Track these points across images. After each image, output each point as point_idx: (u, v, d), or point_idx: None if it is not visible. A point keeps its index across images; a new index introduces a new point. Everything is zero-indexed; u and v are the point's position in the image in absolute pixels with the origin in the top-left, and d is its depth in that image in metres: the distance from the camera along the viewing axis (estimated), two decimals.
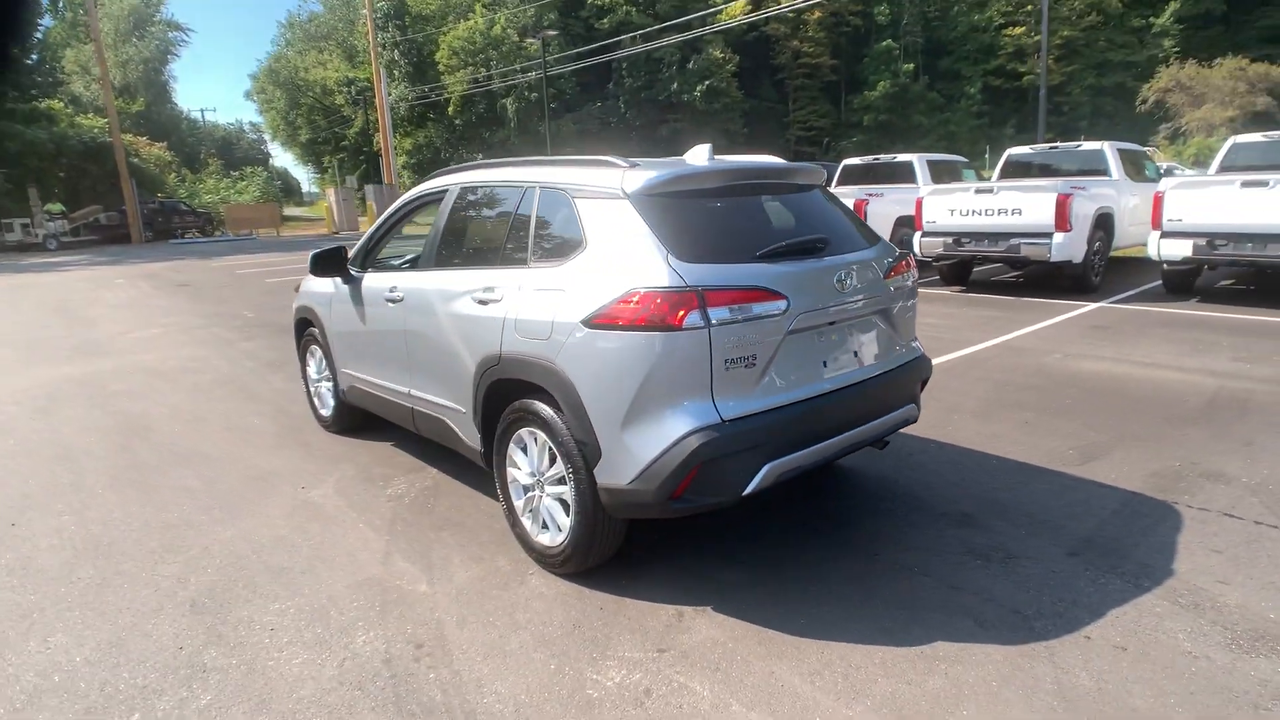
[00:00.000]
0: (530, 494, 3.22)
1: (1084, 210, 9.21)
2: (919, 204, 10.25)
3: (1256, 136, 9.74)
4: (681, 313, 2.59)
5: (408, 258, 4.85)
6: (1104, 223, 9.69)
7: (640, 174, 2.92)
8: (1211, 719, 2.20)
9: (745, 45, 54.98)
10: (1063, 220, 8.99)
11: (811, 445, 2.87)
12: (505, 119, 50.26)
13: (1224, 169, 9.33)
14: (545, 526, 3.17)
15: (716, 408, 2.67)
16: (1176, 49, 50.22)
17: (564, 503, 3.04)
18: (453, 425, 3.66)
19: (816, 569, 3.13)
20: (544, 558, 3.16)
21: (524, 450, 3.22)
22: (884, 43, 59.40)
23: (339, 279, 4.62)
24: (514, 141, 50.33)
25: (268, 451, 4.82)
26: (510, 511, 3.34)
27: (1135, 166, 11.19)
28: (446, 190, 3.95)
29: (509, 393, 3.21)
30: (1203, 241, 8.13)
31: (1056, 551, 3.16)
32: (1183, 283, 9.13)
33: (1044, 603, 2.80)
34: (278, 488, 4.22)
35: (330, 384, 5.01)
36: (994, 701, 2.31)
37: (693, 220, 2.84)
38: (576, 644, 2.69)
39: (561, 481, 3.02)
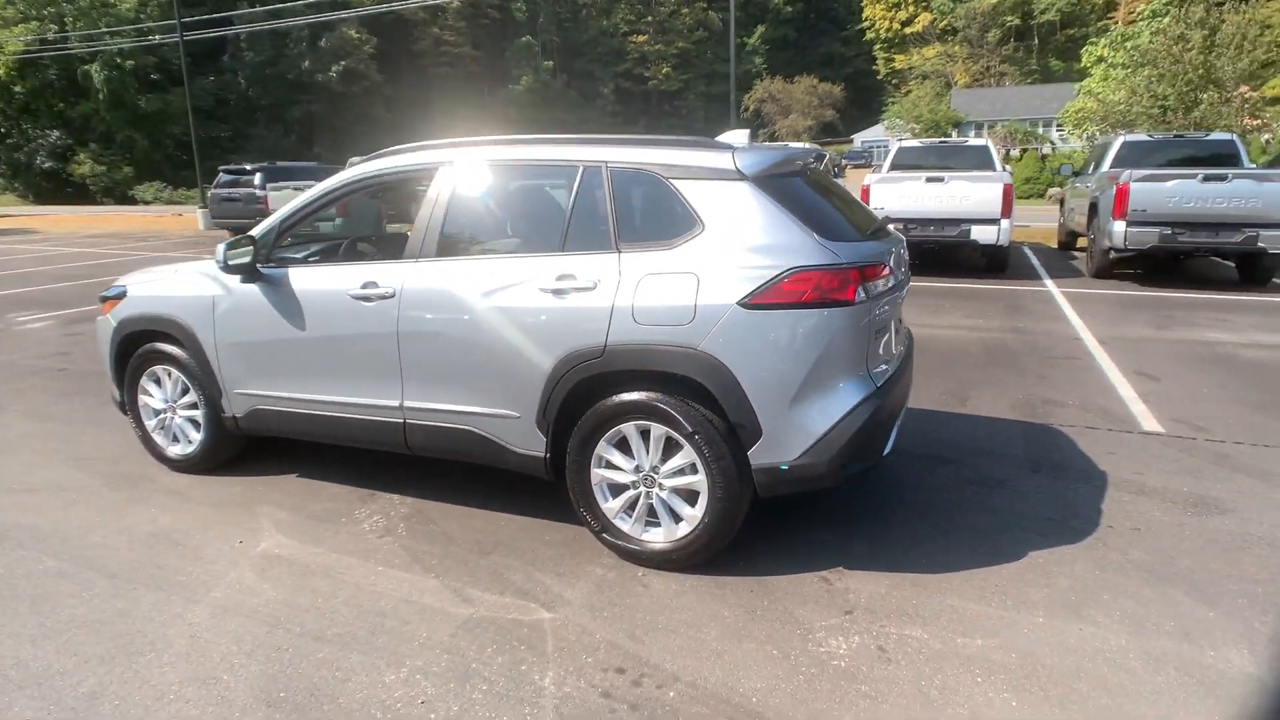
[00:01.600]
0: (634, 493, 3.01)
1: None
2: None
3: (914, 142, 12.12)
4: (851, 288, 2.71)
5: (314, 249, 4.02)
6: None
7: (751, 156, 2.90)
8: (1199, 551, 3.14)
9: (384, 27, 52.36)
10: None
11: (900, 410, 3.23)
12: (90, 90, 40.85)
13: (894, 167, 11.42)
14: (655, 524, 3.01)
15: (871, 376, 2.85)
16: (765, 65, 61.03)
17: (687, 494, 2.92)
18: (491, 435, 3.17)
19: (881, 520, 3.47)
20: (659, 556, 2.98)
21: (623, 448, 2.99)
22: (524, 38, 61.43)
23: (236, 278, 3.61)
24: (104, 116, 41.28)
25: (136, 510, 3.55)
26: (597, 517, 3.07)
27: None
28: (435, 169, 3.35)
29: (597, 390, 2.95)
30: (900, 226, 10.02)
31: (1023, 472, 3.94)
32: None
33: (1060, 509, 3.48)
34: (206, 551, 3.17)
35: (201, 411, 3.85)
36: (1109, 583, 2.92)
37: (805, 200, 2.92)
38: (770, 626, 2.63)
39: (682, 473, 2.90)
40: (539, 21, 62.26)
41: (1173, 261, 10.30)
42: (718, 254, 2.76)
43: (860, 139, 53.70)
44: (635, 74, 62.22)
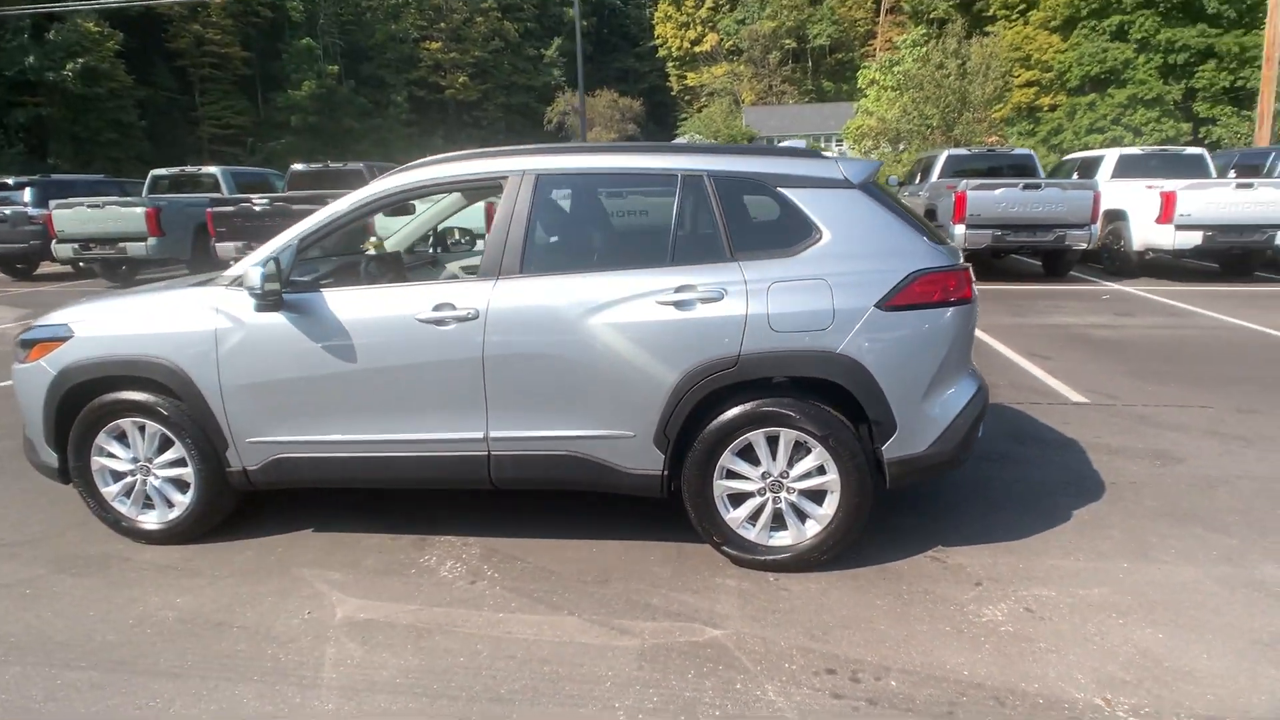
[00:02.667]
0: (759, 500, 3.03)
1: None
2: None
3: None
4: (968, 287, 2.95)
5: (323, 270, 3.59)
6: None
7: (853, 165, 3.06)
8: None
9: (131, 22, 46.32)
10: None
11: None
12: None
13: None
14: (781, 528, 3.05)
15: (974, 368, 3.12)
16: (564, 78, 61.79)
17: (815, 495, 3.00)
18: (598, 458, 3.02)
19: (931, 501, 3.75)
20: (790, 559, 3.01)
21: (747, 457, 3.00)
22: (303, 40, 57.30)
23: (245, 307, 3.10)
24: None
25: (131, 595, 2.87)
26: (720, 529, 3.04)
27: None
28: (504, 178, 3.12)
29: (722, 401, 2.94)
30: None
31: (1013, 445, 4.42)
32: None
33: (1066, 473, 3.96)
34: (274, 629, 2.66)
35: (192, 468, 3.24)
36: (1147, 528, 3.47)
37: (899, 206, 3.13)
38: (924, 607, 2.74)
39: (810, 475, 2.98)
40: (319, 23, 58.24)
41: (991, 260, 11.99)
42: (842, 260, 2.89)
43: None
44: (430, 82, 60.15)
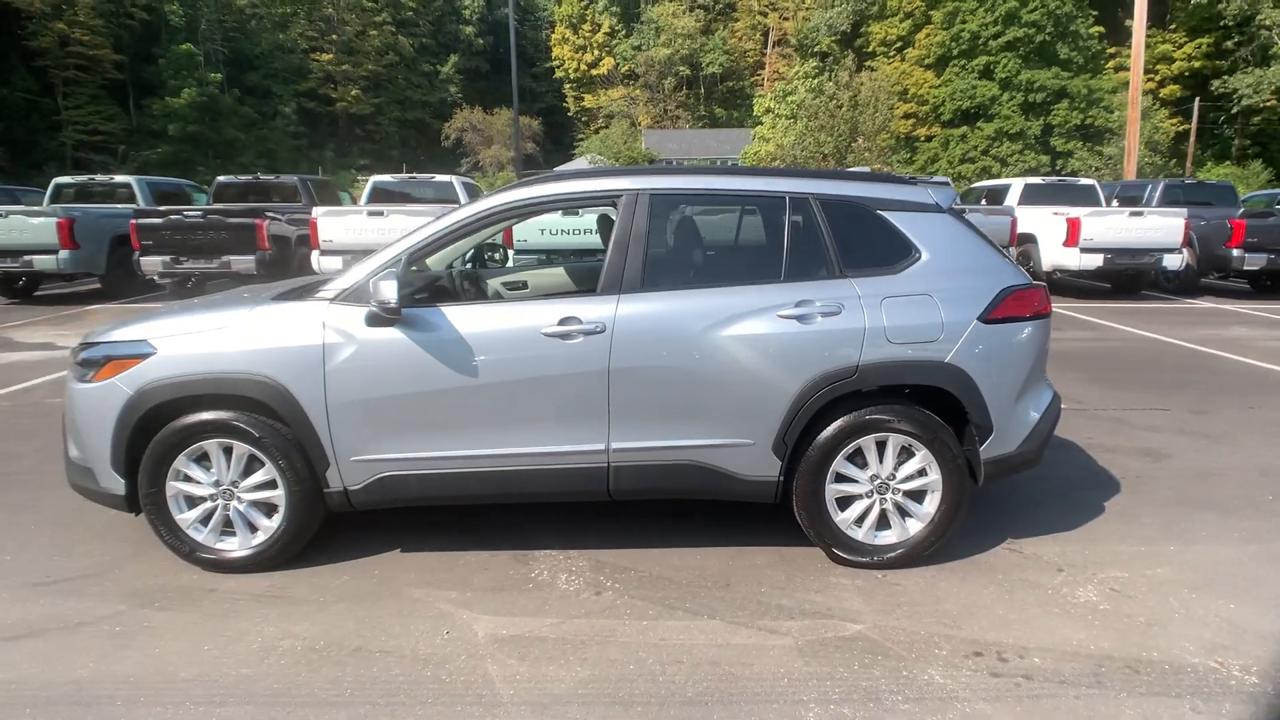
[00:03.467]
0: (866, 502, 3.20)
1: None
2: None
3: (389, 177, 12.76)
4: (1048, 302, 3.25)
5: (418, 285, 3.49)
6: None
7: (939, 191, 3.31)
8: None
9: None
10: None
11: None
12: None
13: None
14: (886, 526, 3.23)
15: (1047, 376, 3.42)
16: (461, 95, 60.92)
17: (917, 495, 3.20)
18: (717, 466, 3.11)
19: (977, 499, 4.08)
20: (897, 557, 3.19)
21: (855, 461, 3.16)
22: (183, 45, 53.80)
23: (355, 321, 2.99)
24: None
25: (240, 627, 2.64)
26: (830, 531, 3.18)
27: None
28: (616, 197, 3.17)
29: (834, 408, 3.10)
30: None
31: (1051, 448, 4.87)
32: None
33: (1080, 470, 4.38)
34: (419, 649, 2.53)
35: (283, 490, 3.05)
36: (1173, 515, 3.91)
37: (977, 229, 3.41)
38: (1026, 593, 2.97)
39: (912, 477, 3.18)
40: (200, 28, 54.79)
41: None
42: (941, 277, 3.13)
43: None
44: (321, 94, 57.71)
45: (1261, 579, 3.15)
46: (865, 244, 3.22)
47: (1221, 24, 34.61)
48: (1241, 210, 11.96)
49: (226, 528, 3.19)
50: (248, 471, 3.13)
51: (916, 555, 3.22)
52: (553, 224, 10.48)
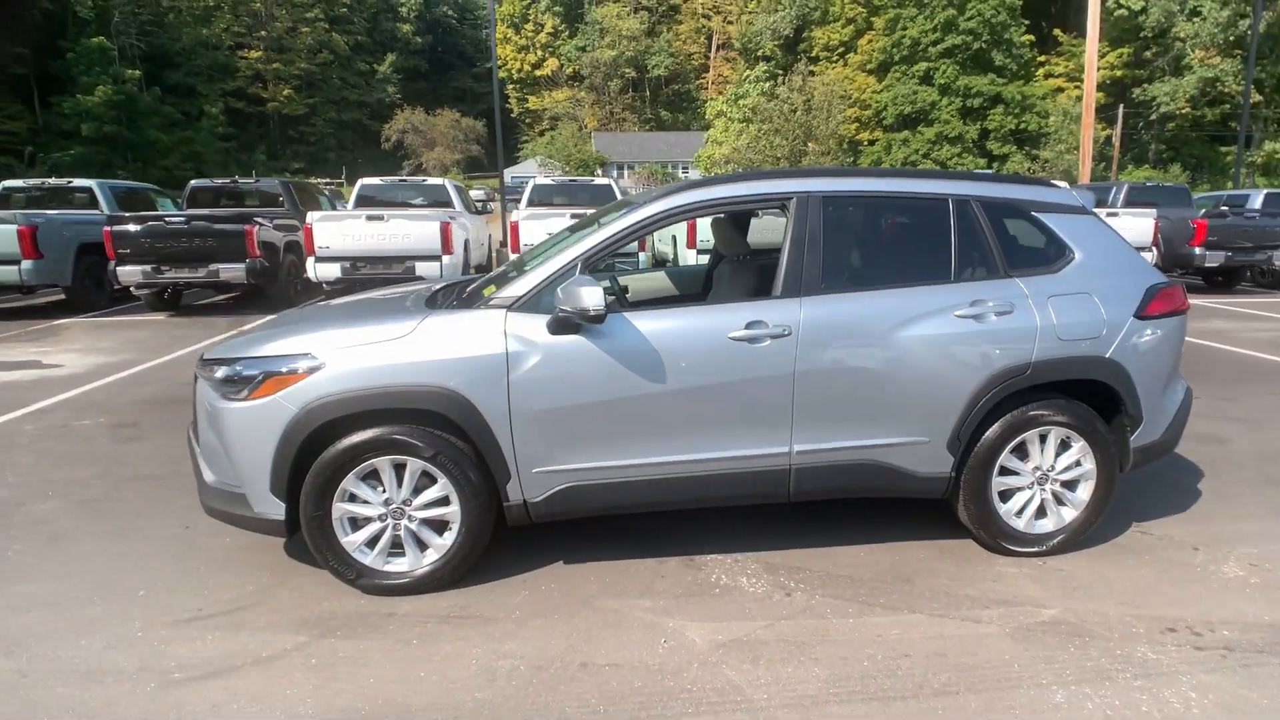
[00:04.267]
0: (1029, 494, 3.32)
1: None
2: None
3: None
4: (1185, 299, 3.44)
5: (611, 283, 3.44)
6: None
7: (1080, 193, 3.47)
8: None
9: None
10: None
11: None
12: None
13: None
14: (1042, 515, 3.36)
15: None
16: (399, 95, 59.66)
17: (1071, 483, 3.34)
18: (893, 464, 3.17)
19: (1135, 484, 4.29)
20: (1060, 542, 3.33)
21: (1023, 453, 3.28)
22: (95, 39, 51.06)
23: (537, 329, 2.95)
24: None
25: (455, 642, 2.54)
26: (994, 522, 3.29)
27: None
28: (787, 199, 3.19)
29: (1001, 405, 3.22)
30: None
31: None
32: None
33: (1189, 455, 4.73)
34: (650, 662, 2.51)
35: (458, 506, 2.97)
36: (1268, 495, 4.17)
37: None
38: (1174, 572, 3.16)
39: (1070, 467, 3.31)
40: (113, 21, 52.00)
41: None
42: (1096, 276, 3.29)
43: (510, 175, 55.81)
44: (250, 94, 55.58)
45: None
46: (1028, 245, 3.34)
47: (1141, 35, 36.88)
48: (1202, 211, 12.78)
49: (394, 549, 3.08)
50: (419, 488, 3.04)
51: (1073, 541, 3.37)
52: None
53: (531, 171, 51.94)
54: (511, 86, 64.82)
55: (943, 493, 3.29)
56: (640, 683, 2.53)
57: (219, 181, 11.90)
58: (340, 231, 10.07)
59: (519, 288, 3.06)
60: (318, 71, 57.37)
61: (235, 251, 9.90)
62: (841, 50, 47.00)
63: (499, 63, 64.46)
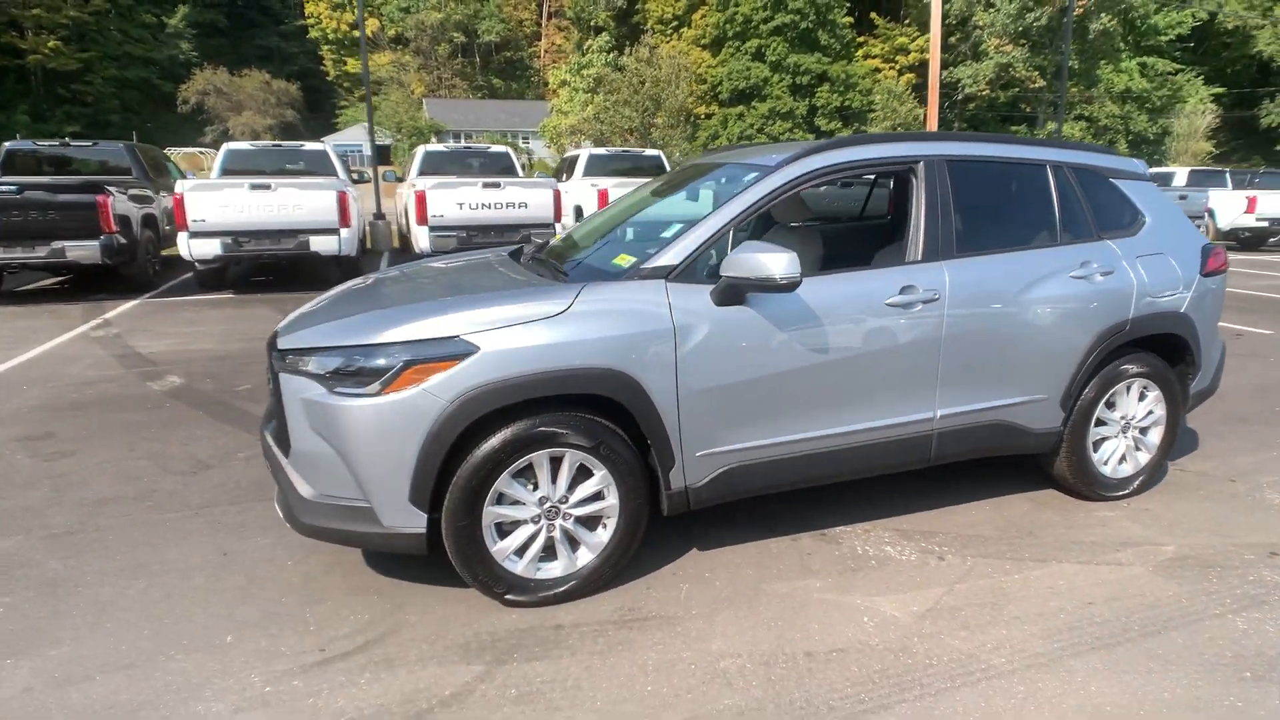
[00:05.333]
0: (1116, 440, 3.54)
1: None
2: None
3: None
4: (1225, 259, 3.78)
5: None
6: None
7: (1140, 163, 3.72)
8: None
9: None
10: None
11: None
12: None
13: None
14: (1123, 460, 3.61)
15: None
16: (195, 53, 52.91)
17: (1145, 429, 3.62)
18: (1017, 422, 3.25)
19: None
20: (1139, 485, 3.61)
21: (1110, 404, 3.49)
22: None
23: (701, 301, 2.70)
24: None
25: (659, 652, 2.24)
26: (1089, 472, 3.49)
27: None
28: (915, 163, 3.11)
29: (1106, 360, 3.40)
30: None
31: None
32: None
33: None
34: (911, 646, 2.40)
35: (616, 499, 2.66)
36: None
37: None
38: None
39: (1149, 414, 3.58)
40: None
41: None
42: (1165, 238, 3.55)
43: (334, 142, 51.61)
44: (5, 44, 46.90)
45: None
46: (1110, 208, 3.53)
47: (946, 21, 40.55)
48: None
49: (544, 554, 2.75)
50: (575, 482, 2.72)
51: (1149, 482, 3.67)
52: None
53: (358, 138, 48.23)
54: (327, 48, 59.66)
55: (1051, 448, 3.44)
56: (878, 664, 2.43)
57: (45, 144, 9.93)
58: (219, 203, 8.82)
59: (670, 256, 2.79)
60: (91, 22, 49.49)
61: (87, 227, 8.37)
62: (675, 24, 47.67)
63: (311, 20, 59.07)
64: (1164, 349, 3.59)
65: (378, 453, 2.49)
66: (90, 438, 4.48)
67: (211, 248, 8.91)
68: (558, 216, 10.22)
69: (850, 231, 4.37)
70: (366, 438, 2.48)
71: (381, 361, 2.48)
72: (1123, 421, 3.56)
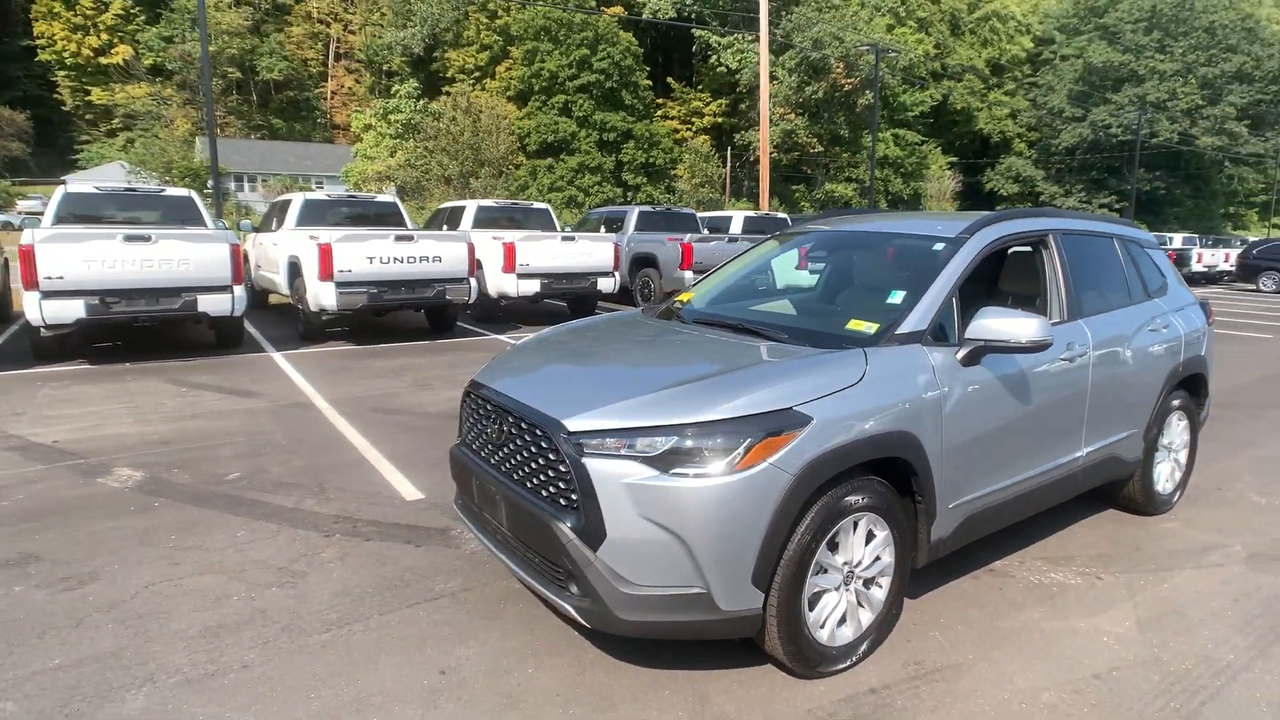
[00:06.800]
0: (1168, 463, 4.27)
1: None
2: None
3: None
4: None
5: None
6: None
7: (1149, 233, 4.57)
8: None
9: None
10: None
11: None
12: None
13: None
14: (1169, 478, 4.35)
15: None
16: None
17: (1170, 446, 4.39)
18: (1119, 455, 3.83)
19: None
20: (1177, 500, 4.34)
21: (1163, 433, 4.21)
22: None
23: (951, 360, 2.95)
24: None
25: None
26: (1154, 488, 4.17)
27: None
28: (1047, 233, 3.62)
29: (1168, 397, 4.13)
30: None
31: None
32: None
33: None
34: (1162, 657, 2.70)
35: (892, 558, 2.76)
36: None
37: None
38: None
39: (1179, 438, 4.37)
40: None
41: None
42: (1180, 296, 4.41)
43: (73, 181, 44.85)
44: None
45: None
46: (1149, 273, 4.32)
47: (736, 90, 44.87)
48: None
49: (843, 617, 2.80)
50: (864, 543, 2.82)
51: (1181, 497, 4.46)
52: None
53: (111, 176, 42.33)
54: (64, 73, 52.13)
55: (1133, 474, 4.08)
56: (1156, 675, 2.78)
57: None
58: (82, 256, 7.53)
59: (916, 321, 3.02)
60: None
61: None
62: (478, 75, 47.85)
63: (40, 41, 51.32)
64: (1192, 386, 4.42)
65: (725, 534, 2.42)
66: (97, 555, 3.68)
67: (71, 310, 7.55)
68: (471, 271, 9.94)
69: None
70: (716, 519, 2.41)
71: (720, 439, 2.44)
72: (1169, 446, 4.32)
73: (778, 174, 46.71)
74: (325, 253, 8.94)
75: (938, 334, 3.07)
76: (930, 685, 2.72)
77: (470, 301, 10.08)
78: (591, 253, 11.56)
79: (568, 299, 12.42)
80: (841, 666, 2.76)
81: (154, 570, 3.53)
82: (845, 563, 2.74)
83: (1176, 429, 4.33)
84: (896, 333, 2.98)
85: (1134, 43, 47.30)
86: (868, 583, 2.86)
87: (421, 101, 35.52)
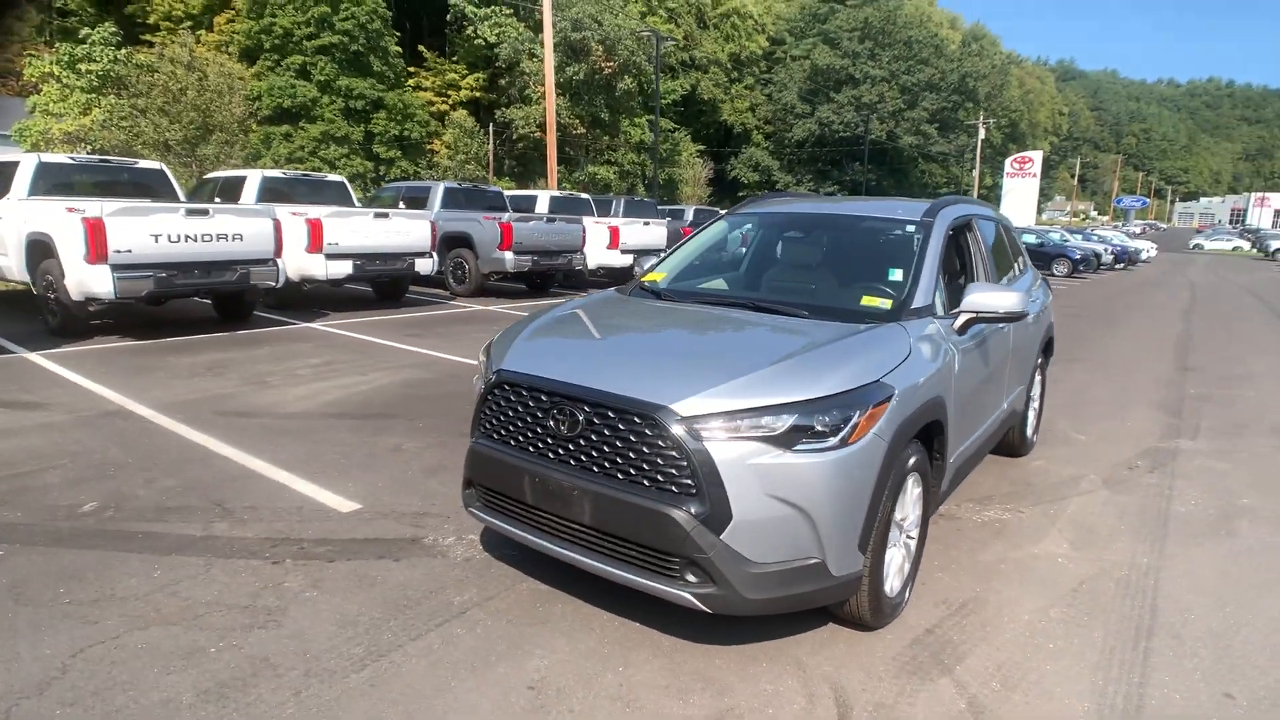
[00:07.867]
0: (1032, 406, 5.14)
1: None
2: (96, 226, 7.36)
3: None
4: None
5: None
6: None
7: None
8: None
9: None
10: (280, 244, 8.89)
11: None
12: None
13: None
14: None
15: None
16: None
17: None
18: (1016, 406, 4.55)
19: None
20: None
21: None
22: None
23: (953, 328, 3.35)
24: None
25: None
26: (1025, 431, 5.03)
27: None
28: (970, 219, 4.16)
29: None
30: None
31: None
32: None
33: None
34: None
35: (919, 514, 3.08)
36: None
37: None
38: None
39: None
40: None
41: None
42: (1034, 273, 5.35)
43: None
44: None
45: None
46: (1022, 251, 5.15)
47: (495, 64, 43.86)
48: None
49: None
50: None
51: None
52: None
53: None
54: None
55: (1016, 423, 4.89)
56: (1128, 573, 3.44)
57: None
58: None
59: (923, 297, 3.37)
60: None
61: None
62: (190, 25, 41.76)
63: None
64: (1049, 348, 5.37)
65: (844, 505, 2.57)
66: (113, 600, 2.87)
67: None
68: (279, 251, 8.84)
69: None
70: (837, 490, 2.54)
71: (836, 413, 2.57)
72: (1034, 398, 5.22)
73: (538, 154, 46.78)
74: (96, 229, 7.41)
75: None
76: (967, 619, 3.09)
77: (278, 286, 8.99)
78: (408, 231, 10.89)
79: (380, 282, 11.54)
80: (895, 616, 3.04)
81: (69, 635, 2.82)
82: (902, 519, 3.02)
83: (1037, 382, 5.25)
84: (912, 307, 3.29)
85: (850, 49, 54.14)
86: (909, 536, 3.16)
87: (124, 50, 30.06)
